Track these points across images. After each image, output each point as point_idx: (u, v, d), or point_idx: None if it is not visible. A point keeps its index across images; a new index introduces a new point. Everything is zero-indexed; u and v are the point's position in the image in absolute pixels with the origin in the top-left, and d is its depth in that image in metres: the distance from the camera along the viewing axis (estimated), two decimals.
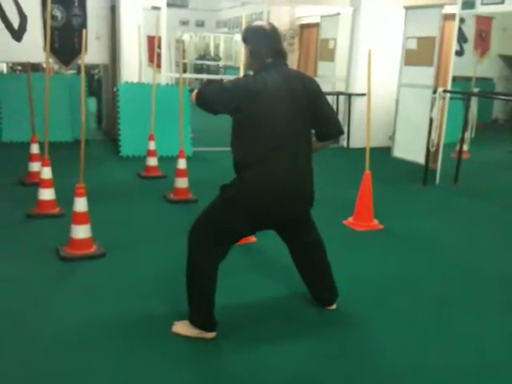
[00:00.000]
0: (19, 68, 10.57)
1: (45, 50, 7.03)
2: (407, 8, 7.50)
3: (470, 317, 3.16)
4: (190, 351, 2.66)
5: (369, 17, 8.18)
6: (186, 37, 16.17)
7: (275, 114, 2.67)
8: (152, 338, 2.76)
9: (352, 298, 3.29)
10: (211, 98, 2.67)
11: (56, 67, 7.87)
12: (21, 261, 3.65)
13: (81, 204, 3.69)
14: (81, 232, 3.71)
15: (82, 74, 4.00)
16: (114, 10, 7.49)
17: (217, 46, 16.50)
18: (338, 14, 8.81)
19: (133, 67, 7.28)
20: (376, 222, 4.75)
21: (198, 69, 15.21)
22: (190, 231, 2.78)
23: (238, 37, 12.78)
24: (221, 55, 15.94)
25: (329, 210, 4.89)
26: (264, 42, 2.78)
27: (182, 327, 2.81)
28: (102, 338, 2.74)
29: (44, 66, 8.57)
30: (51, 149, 4.54)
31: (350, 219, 4.78)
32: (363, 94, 8.34)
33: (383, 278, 3.67)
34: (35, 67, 8.35)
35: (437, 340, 2.88)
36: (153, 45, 6.44)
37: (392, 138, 7.87)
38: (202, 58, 15.79)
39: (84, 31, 3.94)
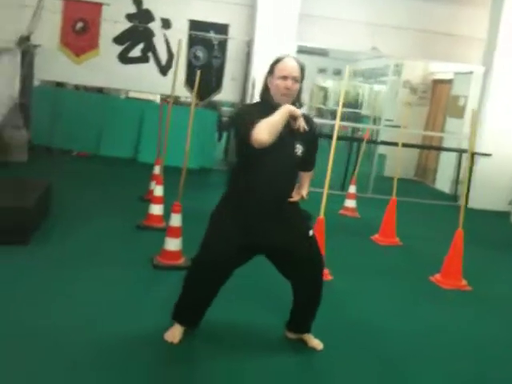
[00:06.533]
0: (168, 100, 11.73)
1: (186, 85, 7.99)
2: None
3: None
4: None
5: (500, 77, 7.97)
6: (329, 83, 16.69)
7: None
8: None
9: (417, 354, 3.33)
10: None
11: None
12: (122, 265, 4.15)
13: (176, 220, 4.14)
14: (172, 244, 4.15)
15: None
16: (249, 55, 8.16)
17: (357, 95, 16.71)
18: (471, 72, 8.67)
19: None
20: (464, 282, 4.63)
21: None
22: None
23: (378, 87, 12.90)
24: (363, 104, 16.09)
25: (418, 265, 4.86)
26: None
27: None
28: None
29: (182, 99, 9.59)
30: (176, 173, 4.71)
31: (437, 276, 4.71)
32: (488, 155, 8.09)
33: (456, 338, 3.61)
34: (174, 100, 9.33)
35: None
36: None
37: None
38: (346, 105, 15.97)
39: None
